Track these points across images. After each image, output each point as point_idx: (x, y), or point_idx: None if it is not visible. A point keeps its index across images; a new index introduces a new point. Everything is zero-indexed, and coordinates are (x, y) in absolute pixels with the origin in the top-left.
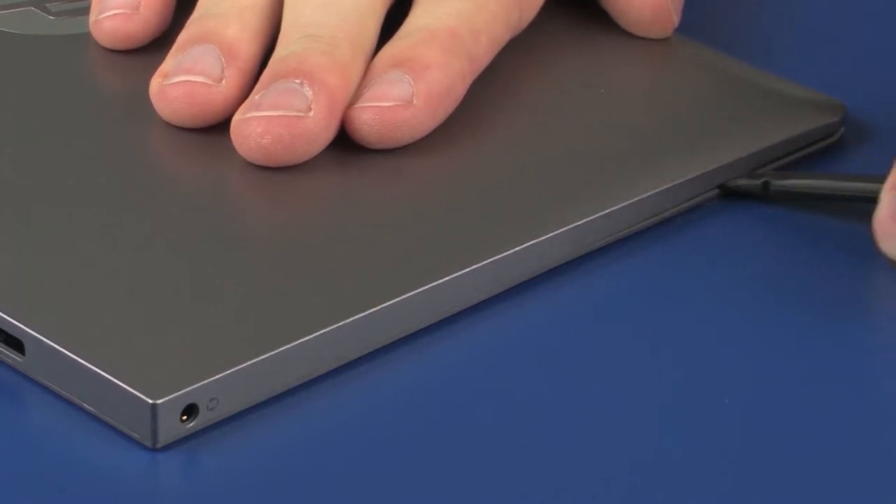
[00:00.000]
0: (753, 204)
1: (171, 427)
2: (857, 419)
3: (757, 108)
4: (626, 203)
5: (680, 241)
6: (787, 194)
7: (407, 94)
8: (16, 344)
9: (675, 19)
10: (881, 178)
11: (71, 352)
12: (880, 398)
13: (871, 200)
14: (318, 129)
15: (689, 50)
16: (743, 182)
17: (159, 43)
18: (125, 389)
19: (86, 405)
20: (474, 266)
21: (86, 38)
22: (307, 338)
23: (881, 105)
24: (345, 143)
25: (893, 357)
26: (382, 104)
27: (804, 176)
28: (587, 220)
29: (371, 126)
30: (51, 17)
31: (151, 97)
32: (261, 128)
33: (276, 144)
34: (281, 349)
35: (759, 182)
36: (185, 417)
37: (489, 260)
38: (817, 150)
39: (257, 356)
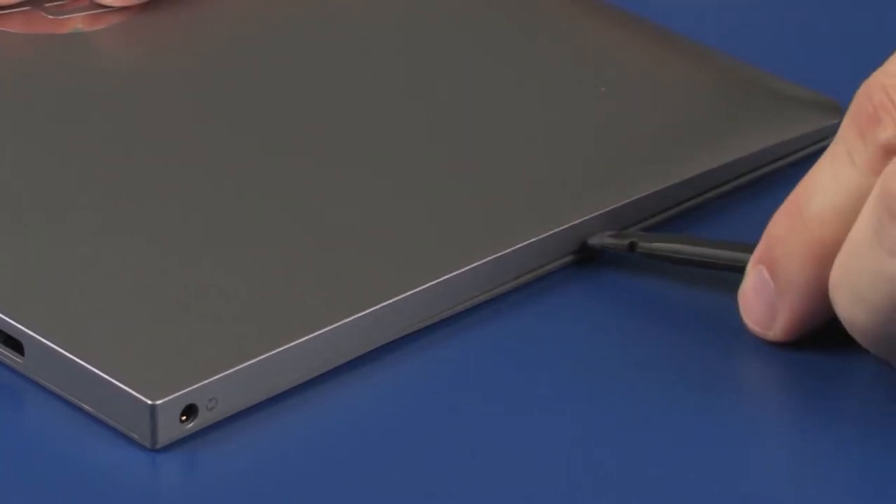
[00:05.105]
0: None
1: (171, 428)
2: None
3: (756, 109)
4: (624, 203)
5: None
6: (653, 256)
7: None
8: (15, 345)
9: None
10: (750, 248)
11: (70, 352)
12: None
13: (739, 270)
14: None
15: (689, 49)
16: (609, 242)
17: (161, 45)
18: (124, 390)
19: (85, 406)
20: (474, 265)
21: (84, 38)
22: (307, 338)
23: None
24: (346, 144)
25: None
26: None
27: (672, 239)
28: (588, 217)
29: None
30: (49, 17)
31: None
32: None
33: None
34: (281, 349)
35: (625, 242)
36: (184, 418)
37: (489, 258)
38: (816, 151)
39: (257, 356)
